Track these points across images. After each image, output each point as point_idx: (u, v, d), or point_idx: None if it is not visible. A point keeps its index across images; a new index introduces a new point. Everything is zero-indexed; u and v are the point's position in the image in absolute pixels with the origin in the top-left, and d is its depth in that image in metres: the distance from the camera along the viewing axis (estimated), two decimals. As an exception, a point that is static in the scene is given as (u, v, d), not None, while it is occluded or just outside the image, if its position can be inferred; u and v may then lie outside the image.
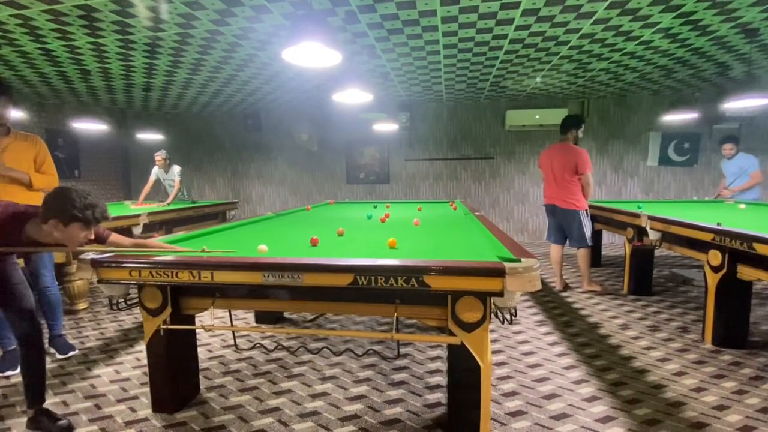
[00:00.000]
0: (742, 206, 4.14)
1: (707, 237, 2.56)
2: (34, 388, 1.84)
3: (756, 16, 3.22)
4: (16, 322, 1.81)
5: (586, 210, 3.82)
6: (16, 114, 5.45)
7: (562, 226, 3.93)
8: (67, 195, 1.56)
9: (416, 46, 3.80)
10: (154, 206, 5.08)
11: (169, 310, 1.86)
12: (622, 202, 5.09)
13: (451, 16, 3.12)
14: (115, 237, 1.91)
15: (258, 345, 2.49)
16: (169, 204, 5.24)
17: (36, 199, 2.53)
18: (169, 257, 1.77)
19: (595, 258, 4.99)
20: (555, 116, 6.19)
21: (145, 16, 3.01)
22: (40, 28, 3.24)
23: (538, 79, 5.25)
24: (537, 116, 6.21)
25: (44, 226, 1.60)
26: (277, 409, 2.01)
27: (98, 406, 2.05)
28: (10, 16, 2.98)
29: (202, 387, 2.22)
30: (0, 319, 2.43)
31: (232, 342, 2.81)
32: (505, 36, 3.60)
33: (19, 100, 5.81)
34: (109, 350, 2.74)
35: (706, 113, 5.91)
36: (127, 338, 2.94)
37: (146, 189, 5.55)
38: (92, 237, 1.69)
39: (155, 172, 5.57)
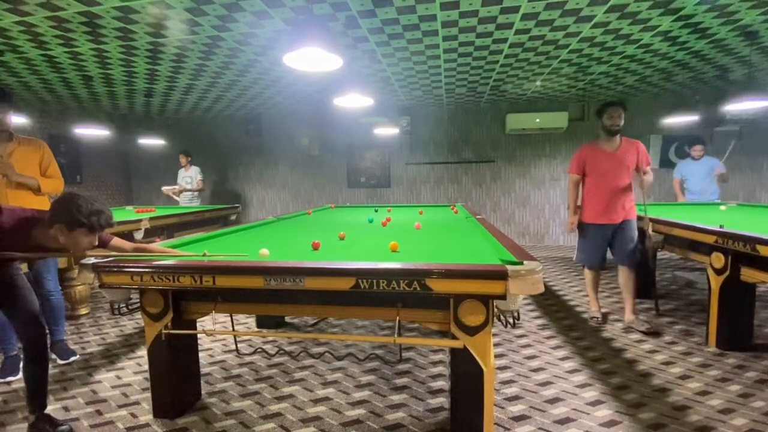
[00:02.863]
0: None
1: (710, 239, 2.55)
2: (37, 393, 1.83)
3: (756, 18, 3.23)
4: (21, 327, 1.81)
5: (584, 223, 3.14)
6: (18, 120, 5.49)
7: None
8: (74, 201, 1.58)
9: (416, 50, 3.82)
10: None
11: (170, 315, 1.85)
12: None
13: (451, 20, 3.13)
14: (117, 241, 1.91)
15: (259, 350, 2.49)
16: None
17: (42, 203, 2.54)
18: (170, 261, 1.77)
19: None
20: (555, 120, 6.20)
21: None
22: (42, 35, 3.27)
23: (538, 83, 5.26)
24: (537, 120, 6.22)
25: (50, 231, 1.61)
26: (278, 414, 2.00)
27: (99, 412, 2.04)
28: (14, 23, 3.00)
29: (203, 392, 2.21)
30: (3, 325, 2.43)
31: (233, 347, 2.80)
32: (505, 40, 3.62)
33: (21, 106, 5.84)
34: (110, 355, 2.73)
35: (706, 116, 5.92)
36: (129, 343, 2.93)
37: (177, 190, 6.25)
38: (96, 243, 1.70)
39: (180, 174, 6.31)
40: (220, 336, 2.99)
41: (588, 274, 3.24)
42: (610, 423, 1.87)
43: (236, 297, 1.83)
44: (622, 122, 2.97)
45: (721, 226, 2.53)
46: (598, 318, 3.15)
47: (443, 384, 2.25)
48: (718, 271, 2.58)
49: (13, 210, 1.67)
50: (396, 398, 2.12)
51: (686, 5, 2.96)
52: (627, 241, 3.02)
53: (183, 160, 6.24)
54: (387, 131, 6.22)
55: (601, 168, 3.03)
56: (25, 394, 1.85)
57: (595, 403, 2.04)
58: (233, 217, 5.63)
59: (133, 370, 2.49)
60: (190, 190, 6.21)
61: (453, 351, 1.63)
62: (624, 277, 3.07)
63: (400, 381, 2.30)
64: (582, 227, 3.17)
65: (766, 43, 3.82)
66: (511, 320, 1.60)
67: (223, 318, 3.29)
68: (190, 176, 6.22)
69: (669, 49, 3.98)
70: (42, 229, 1.64)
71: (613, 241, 3.06)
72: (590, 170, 3.07)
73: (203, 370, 2.43)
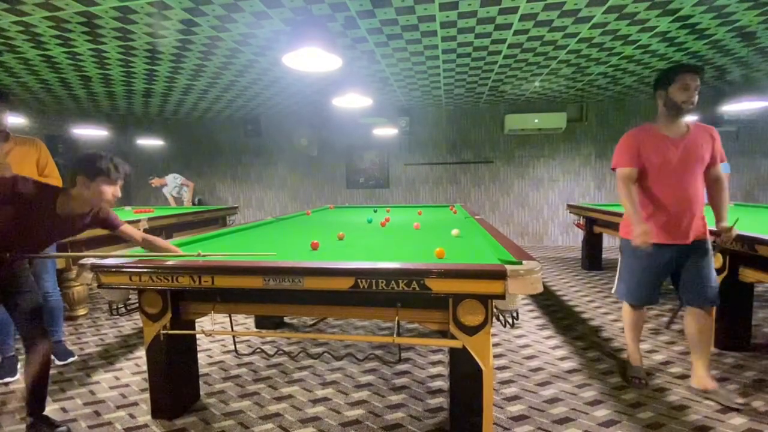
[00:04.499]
0: None
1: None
2: (37, 394, 1.83)
3: (753, 19, 3.24)
4: (25, 327, 1.81)
5: (627, 240, 2.16)
6: (17, 120, 5.48)
7: None
8: (92, 154, 1.70)
9: (415, 51, 3.82)
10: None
11: (169, 315, 1.85)
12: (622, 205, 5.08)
13: (450, 21, 3.14)
14: (127, 228, 1.96)
15: (258, 350, 2.48)
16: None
17: None
18: (169, 262, 1.76)
19: (596, 261, 4.98)
20: (554, 120, 6.21)
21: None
22: (41, 35, 3.26)
23: (537, 84, 5.27)
24: (536, 120, 6.23)
25: (73, 190, 1.68)
26: (277, 414, 1.99)
27: (97, 413, 2.03)
28: (12, 23, 3.00)
29: (202, 393, 2.20)
30: (0, 326, 2.42)
31: (232, 347, 2.79)
32: (503, 41, 3.62)
33: (19, 106, 5.83)
34: (108, 356, 2.72)
35: (704, 116, 5.94)
36: (127, 344, 2.93)
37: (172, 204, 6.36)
38: (119, 195, 1.77)
39: (167, 191, 6.40)
40: (218, 336, 2.99)
41: (629, 312, 2.25)
42: (609, 423, 1.87)
43: (235, 297, 1.83)
44: (697, 98, 2.00)
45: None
46: (641, 380, 2.21)
47: (442, 384, 2.25)
48: (717, 271, 2.58)
49: (25, 179, 1.69)
50: (395, 398, 2.12)
51: (684, 6, 2.97)
52: (704, 271, 2.04)
53: (156, 182, 6.20)
54: (386, 132, 6.22)
55: (663, 160, 2.01)
56: (24, 394, 1.84)
57: (594, 403, 2.04)
58: (232, 218, 5.63)
59: (132, 371, 2.49)
60: (181, 200, 6.34)
61: (452, 351, 1.62)
62: (697, 322, 2.07)
63: (400, 381, 2.30)
64: (628, 247, 2.13)
65: (763, 44, 3.83)
66: (510, 320, 1.60)
67: (222, 318, 3.29)
68: (175, 185, 6.26)
69: (667, 50, 4.00)
70: (66, 194, 1.70)
71: (679, 272, 2.08)
72: (647, 163, 2.04)
73: (202, 370, 2.43)
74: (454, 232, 2.64)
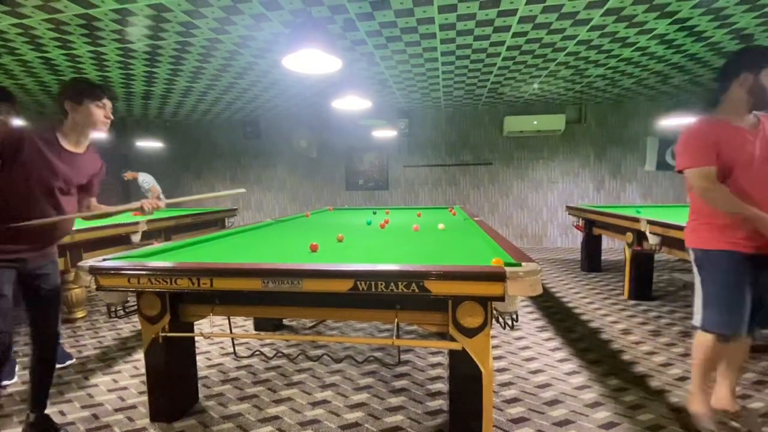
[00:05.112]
0: None
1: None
2: (40, 392, 1.84)
3: (750, 22, 3.26)
4: (39, 327, 1.80)
5: (709, 252, 1.74)
6: (15, 121, 5.47)
7: None
8: (72, 80, 1.72)
9: (414, 53, 3.83)
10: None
11: (167, 318, 1.85)
12: (620, 206, 5.09)
13: (449, 23, 3.14)
14: (95, 201, 1.98)
15: (257, 352, 2.48)
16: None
17: None
18: (168, 263, 1.76)
19: (595, 263, 4.99)
20: (553, 122, 6.22)
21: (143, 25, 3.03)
22: (40, 37, 3.26)
23: (536, 86, 5.28)
24: (535, 122, 6.25)
25: (66, 120, 1.70)
26: (276, 417, 1.99)
27: (96, 416, 2.02)
28: (11, 25, 3.00)
29: (200, 395, 2.19)
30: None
31: (231, 350, 2.79)
32: (502, 43, 3.63)
33: (19, 108, 5.83)
34: (107, 359, 2.71)
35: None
36: (126, 347, 2.92)
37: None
38: (111, 117, 1.77)
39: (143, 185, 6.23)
40: (217, 339, 2.98)
41: (712, 348, 1.75)
42: (609, 425, 1.87)
43: (234, 299, 1.82)
44: None
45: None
46: None
47: (442, 386, 2.25)
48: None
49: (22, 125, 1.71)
50: (394, 401, 2.11)
51: (682, 8, 2.99)
52: None
53: (130, 175, 6.00)
54: (385, 134, 6.23)
55: (746, 157, 1.67)
56: (28, 392, 1.84)
57: (594, 405, 2.03)
58: (231, 220, 5.62)
59: (130, 374, 2.48)
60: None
61: (451, 353, 1.62)
62: (747, 346, 1.84)
63: (399, 383, 2.29)
64: (715, 261, 1.73)
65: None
66: (509, 322, 1.60)
67: (220, 321, 3.28)
68: (145, 184, 6.09)
69: (665, 52, 4.01)
70: (62, 130, 1.71)
71: (751, 288, 1.69)
72: (728, 160, 1.67)
73: (200, 373, 2.42)
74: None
